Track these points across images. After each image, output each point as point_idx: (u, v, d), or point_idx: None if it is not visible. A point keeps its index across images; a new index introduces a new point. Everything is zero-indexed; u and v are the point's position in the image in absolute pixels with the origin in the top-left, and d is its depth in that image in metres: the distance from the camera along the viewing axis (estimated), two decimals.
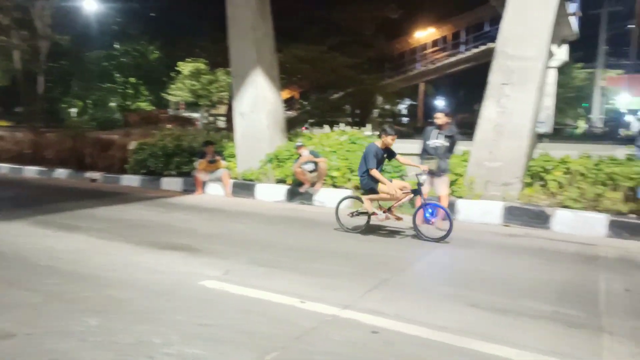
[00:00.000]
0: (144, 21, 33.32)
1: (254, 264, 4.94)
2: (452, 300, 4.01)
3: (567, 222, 6.91)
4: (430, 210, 6.17)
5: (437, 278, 4.71)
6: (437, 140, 6.63)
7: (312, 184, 9.00)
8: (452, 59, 31.40)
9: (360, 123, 18.29)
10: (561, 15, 21.38)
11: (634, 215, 6.74)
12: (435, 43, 34.23)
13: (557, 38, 25.60)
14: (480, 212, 7.47)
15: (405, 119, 37.84)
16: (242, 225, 7.14)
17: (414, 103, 38.98)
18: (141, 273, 4.55)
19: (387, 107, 31.46)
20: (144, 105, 33.58)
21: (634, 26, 30.92)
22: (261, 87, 10.31)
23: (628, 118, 32.33)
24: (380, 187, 6.24)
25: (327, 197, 8.80)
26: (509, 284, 4.54)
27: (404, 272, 4.84)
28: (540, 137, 13.98)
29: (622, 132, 28.20)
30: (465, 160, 8.19)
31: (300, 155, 8.91)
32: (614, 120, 32.38)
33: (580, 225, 6.81)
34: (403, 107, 38.90)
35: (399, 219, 6.50)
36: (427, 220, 6.19)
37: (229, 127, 14.31)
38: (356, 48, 25.13)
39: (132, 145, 12.18)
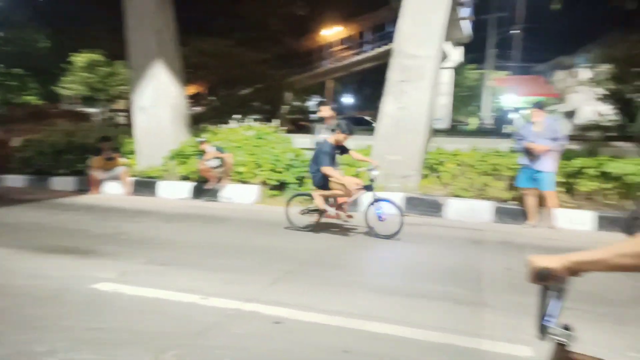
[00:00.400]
0: (31, 7, 30.32)
1: (153, 263, 4.73)
2: (353, 287, 4.16)
3: (459, 210, 7.48)
4: (381, 207, 6.12)
5: (339, 267, 4.84)
6: (321, 135, 6.76)
7: (219, 180, 8.82)
8: (358, 57, 32.43)
9: (269, 119, 18.24)
10: (456, 20, 23.02)
11: (515, 202, 7.45)
12: (342, 41, 35.09)
13: (453, 40, 27.54)
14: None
15: (314, 115, 38.44)
16: (141, 224, 6.80)
17: (323, 100, 39.69)
18: (22, 279, 4.16)
19: (297, 103, 31.70)
20: (32, 99, 30.61)
21: (517, 31, 34.09)
22: (163, 80, 9.88)
23: (513, 115, 35.67)
24: (332, 184, 6.14)
25: (234, 193, 8.68)
26: (404, 268, 4.82)
27: (308, 263, 4.92)
28: (437, 133, 14.90)
29: (507, 128, 31.05)
30: (368, 155, 8.50)
31: (204, 152, 8.68)
32: (500, 117, 35.55)
33: (470, 212, 7.40)
34: (312, 103, 39.46)
35: (349, 216, 6.46)
36: (379, 217, 6.07)
37: (129, 122, 13.56)
38: (264, 43, 24.99)
39: (16, 142, 11.06)
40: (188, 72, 11.60)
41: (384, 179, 8.09)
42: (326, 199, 6.32)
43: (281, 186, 8.72)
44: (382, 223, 6.05)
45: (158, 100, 9.86)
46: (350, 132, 6.23)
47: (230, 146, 9.26)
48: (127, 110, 23.91)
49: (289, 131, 11.44)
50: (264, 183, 8.77)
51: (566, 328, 1.30)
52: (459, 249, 5.70)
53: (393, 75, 8.26)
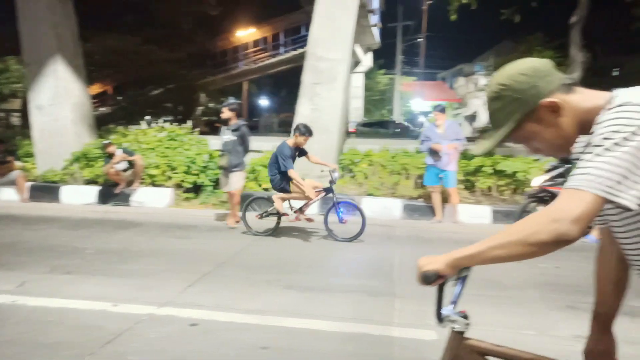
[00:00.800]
0: None
1: (56, 272, 4.44)
2: (270, 286, 4.21)
3: (372, 207, 7.79)
4: (342, 210, 6.17)
5: (257, 267, 4.87)
6: (225, 136, 6.67)
7: (129, 184, 8.42)
8: (273, 59, 32.46)
9: (183, 121, 17.70)
10: (367, 26, 23.89)
11: (422, 199, 7.94)
12: (256, 43, 34.92)
13: (364, 46, 28.56)
14: (300, 204, 7.91)
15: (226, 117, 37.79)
16: (42, 232, 6.31)
17: (238, 101, 39.21)
18: None
19: (211, 105, 31.04)
20: None
21: (421, 39, 36.07)
22: (63, 77, 9.22)
23: (421, 119, 37.81)
24: (292, 187, 6.07)
25: (146, 197, 8.33)
26: (321, 265, 4.96)
27: (224, 264, 4.89)
28: (351, 134, 15.43)
29: (416, 130, 32.85)
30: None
31: (111, 155, 8.23)
32: (410, 121, 37.51)
33: (382, 209, 7.75)
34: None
35: (309, 220, 6.45)
36: (340, 220, 6.13)
37: (25, 123, 12.47)
38: (176, 42, 24.17)
39: None
40: (92, 70, 10.95)
41: (301, 178, 8.23)
42: (285, 201, 6.37)
43: (196, 189, 8.53)
44: (342, 225, 6.14)
45: (58, 98, 9.19)
46: (310, 134, 6.23)
47: (141, 148, 8.89)
48: (21, 110, 21.94)
49: (202, 133, 11.19)
50: (178, 186, 8.52)
51: (464, 316, 1.37)
52: (373, 245, 5.97)
53: (307, 78, 8.44)
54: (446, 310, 1.36)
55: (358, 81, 31.17)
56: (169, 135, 9.26)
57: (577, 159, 3.59)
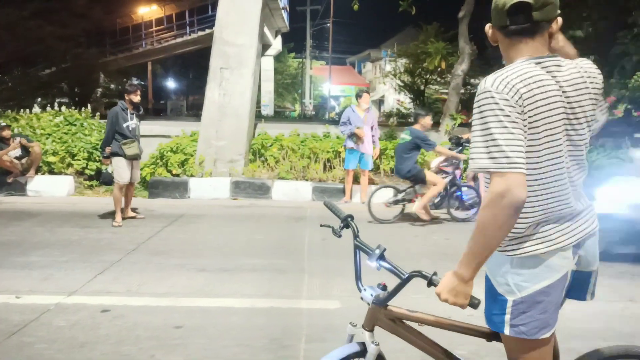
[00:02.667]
0: None
1: None
2: (182, 269, 4.30)
3: (283, 191, 8.05)
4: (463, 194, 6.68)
5: (168, 252, 4.89)
6: (133, 122, 6.08)
7: (24, 172, 7.85)
8: (179, 39, 31.05)
9: (80, 103, 16.54)
10: (275, 9, 23.80)
11: (331, 181, 8.33)
12: (160, 21, 33.22)
13: (273, 29, 28.44)
14: (211, 189, 7.95)
15: (120, 102, 35.77)
16: None
17: (143, 83, 37.24)
18: None
19: (113, 86, 29.18)
20: None
21: (328, 24, 36.68)
22: None
23: (332, 103, 38.65)
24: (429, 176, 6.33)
25: (43, 186, 7.84)
26: (232, 247, 5.11)
27: (134, 252, 4.86)
28: (264, 118, 15.44)
29: (328, 114, 33.56)
30: (195, 141, 8.53)
31: (4, 139, 7.61)
32: (321, 104, 38.20)
33: (293, 192, 8.03)
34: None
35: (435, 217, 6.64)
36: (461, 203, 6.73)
37: None
38: (67, 17, 22.24)
39: None
40: None
41: (211, 164, 8.25)
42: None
43: (100, 176, 8.17)
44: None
45: None
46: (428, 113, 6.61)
47: (35, 134, 8.30)
48: None
49: (103, 117, 10.64)
50: (79, 173, 8.11)
51: (384, 287, 1.56)
52: (284, 226, 6.22)
53: (214, 62, 8.39)
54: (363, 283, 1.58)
55: (268, 64, 31.05)
56: (66, 120, 8.73)
57: (468, 142, 4.07)
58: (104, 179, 6.31)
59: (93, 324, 3.12)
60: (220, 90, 8.26)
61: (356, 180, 7.93)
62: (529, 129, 1.30)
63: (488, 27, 1.43)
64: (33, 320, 3.12)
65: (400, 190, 6.61)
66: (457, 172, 7.17)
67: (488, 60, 17.73)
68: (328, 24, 37.31)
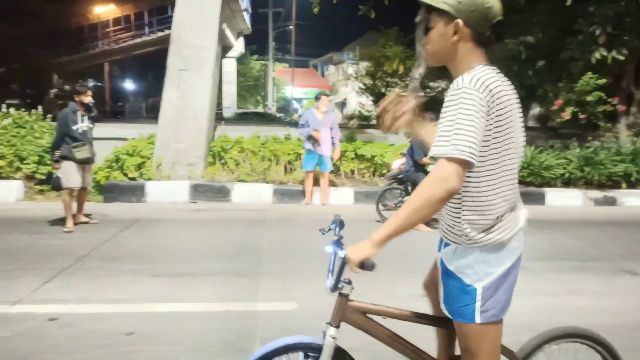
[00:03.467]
0: None
1: None
2: (137, 275, 4.20)
3: (244, 193, 7.99)
4: None
5: (122, 258, 4.77)
6: (84, 124, 5.79)
7: None
8: (137, 40, 30.41)
9: (32, 105, 15.89)
10: (236, 10, 23.62)
11: (291, 183, 8.33)
12: (117, 22, 32.35)
13: (235, 31, 28.21)
14: (169, 192, 7.80)
15: (70, 104, 34.64)
16: None
17: (99, 84, 36.14)
18: None
19: (67, 87, 28.17)
20: None
21: (291, 26, 36.72)
22: None
23: (296, 105, 38.67)
24: None
25: None
26: (190, 252, 5.03)
27: (86, 258, 4.71)
28: (226, 121, 15.27)
29: (291, 116, 33.54)
30: (153, 143, 8.35)
31: None
32: (284, 107, 38.16)
33: (253, 195, 7.98)
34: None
35: None
36: None
37: None
38: (19, 16, 21.39)
39: None
40: None
41: (170, 167, 8.10)
42: None
43: (50, 180, 7.86)
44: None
45: None
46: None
47: None
48: None
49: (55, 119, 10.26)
50: (29, 178, 7.79)
51: (348, 282, 1.57)
52: (243, 229, 6.17)
53: (172, 63, 8.24)
54: (337, 279, 1.56)
55: (230, 66, 30.76)
56: (15, 122, 8.35)
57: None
58: (54, 184, 5.97)
59: (39, 333, 3.00)
60: (178, 92, 8.12)
61: (316, 182, 7.96)
62: (494, 127, 1.39)
63: (462, 24, 1.43)
64: None
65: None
66: None
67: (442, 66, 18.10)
68: (290, 27, 37.35)
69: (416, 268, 4.41)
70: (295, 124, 12.13)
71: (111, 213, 6.79)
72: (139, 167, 8.03)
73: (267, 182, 8.26)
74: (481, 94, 1.35)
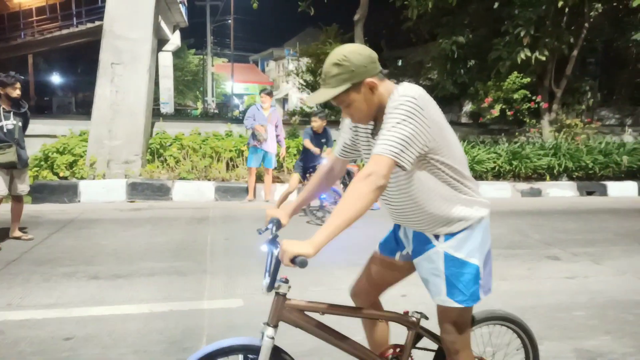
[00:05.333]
0: None
1: None
2: (72, 278, 4.03)
3: (185, 191, 7.82)
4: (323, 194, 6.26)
5: (55, 260, 4.53)
6: (9, 122, 4.99)
7: None
8: (64, 31, 28.69)
9: None
10: (172, 2, 22.90)
11: (234, 180, 8.26)
12: (42, 11, 30.35)
13: (171, 23, 27.34)
14: (104, 191, 7.49)
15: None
16: None
17: (23, 77, 33.73)
18: None
19: None
20: None
21: (229, 21, 36.12)
22: None
23: (237, 101, 38.10)
24: None
25: None
26: (129, 252, 4.88)
27: (17, 262, 4.45)
28: (163, 117, 14.81)
29: (230, 113, 33.05)
30: (85, 141, 7.97)
31: None
32: (224, 103, 37.48)
33: (195, 193, 7.83)
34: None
35: None
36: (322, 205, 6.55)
37: None
38: None
39: None
40: None
41: (104, 165, 7.78)
42: None
43: None
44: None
45: None
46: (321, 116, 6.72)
47: None
48: None
49: None
50: None
51: (285, 281, 1.59)
52: (185, 228, 6.06)
53: (105, 57, 7.89)
54: (274, 278, 1.58)
55: (167, 60, 29.79)
56: None
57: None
58: None
59: None
60: (112, 87, 7.79)
61: (259, 178, 7.94)
62: (433, 129, 1.53)
63: (370, 80, 1.56)
64: None
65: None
66: (354, 169, 7.50)
67: (384, 62, 18.59)
68: (229, 21, 36.73)
69: (358, 261, 4.54)
70: (235, 120, 12.00)
71: (42, 215, 6.42)
72: (71, 165, 7.64)
73: (209, 180, 8.13)
74: (421, 104, 1.50)
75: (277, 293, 1.59)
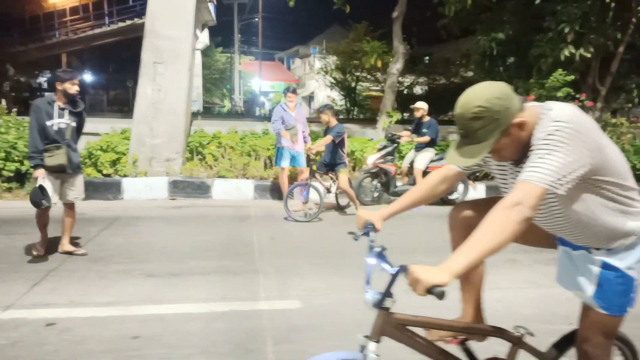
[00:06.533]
0: None
1: None
2: (128, 275, 4.07)
3: (224, 189, 7.86)
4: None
5: (108, 258, 4.60)
6: (62, 120, 4.45)
7: None
8: (97, 30, 29.29)
9: None
10: (202, 1, 23.12)
11: (272, 179, 8.25)
12: (75, 10, 31.02)
13: (200, 22, 27.61)
14: (146, 189, 7.58)
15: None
16: None
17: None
18: None
19: (23, 79, 26.90)
20: None
21: (257, 19, 36.28)
22: None
23: (262, 99, 38.29)
24: None
25: None
26: (179, 250, 4.92)
27: (71, 258, 4.52)
28: (194, 115, 14.96)
29: (258, 110, 33.22)
30: (127, 139, 8.09)
31: None
32: (251, 100, 37.72)
33: (234, 191, 7.86)
34: (43, 80, 34.11)
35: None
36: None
37: None
38: None
39: None
40: None
41: (146, 163, 7.88)
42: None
43: (20, 177, 7.50)
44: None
45: None
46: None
47: None
48: None
49: (20, 112, 9.77)
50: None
51: (388, 294, 1.49)
52: (229, 226, 6.08)
53: (146, 56, 7.98)
54: (376, 292, 1.51)
55: (196, 59, 30.11)
56: None
57: (399, 137, 4.39)
58: (32, 198, 4.36)
59: (38, 340, 2.86)
60: (154, 86, 7.88)
61: (294, 179, 7.83)
62: (593, 151, 1.42)
63: (517, 120, 1.46)
64: None
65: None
66: (392, 168, 7.42)
67: (412, 59, 18.45)
68: (255, 19, 36.90)
69: (409, 262, 4.47)
70: (268, 119, 12.01)
71: (88, 211, 6.51)
72: (114, 163, 7.76)
73: (247, 178, 8.15)
74: (580, 129, 1.40)
75: (381, 307, 1.52)
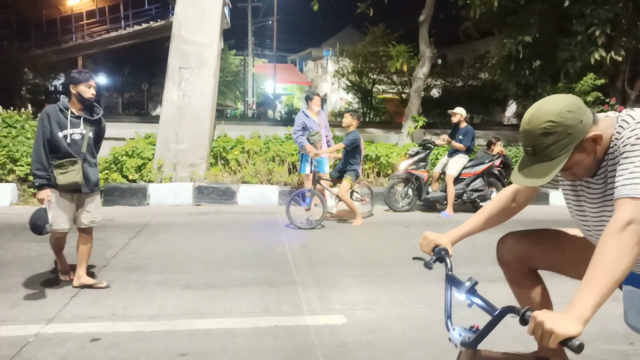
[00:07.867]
0: None
1: None
2: (166, 286, 4.00)
3: (249, 195, 7.79)
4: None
5: (144, 267, 4.54)
6: (77, 130, 3.74)
7: None
8: (113, 34, 29.51)
9: (4, 101, 15.17)
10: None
11: (296, 185, 8.17)
12: (91, 14, 31.29)
13: (223, 27, 27.72)
14: (172, 195, 7.54)
15: (63, 97, 33.48)
16: None
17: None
18: None
19: (39, 82, 27.17)
20: None
21: (271, 22, 36.31)
22: None
23: (276, 102, 38.33)
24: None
25: None
26: (213, 260, 4.84)
27: (107, 268, 4.47)
28: (223, 120, 14.96)
29: (272, 113, 33.22)
30: (152, 144, 8.06)
31: None
32: (265, 103, 37.75)
33: (259, 197, 7.80)
34: (59, 83, 34.43)
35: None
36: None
37: None
38: None
39: None
40: None
41: (171, 168, 7.84)
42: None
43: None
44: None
45: None
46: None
47: None
48: None
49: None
50: (22, 180, 7.41)
51: (475, 331, 1.40)
52: (259, 234, 5.99)
53: (173, 62, 7.96)
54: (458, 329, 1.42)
55: None
56: (4, 122, 7.93)
57: (432, 143, 4.30)
58: (33, 222, 3.58)
59: (85, 356, 2.79)
60: (179, 91, 7.84)
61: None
62: None
63: (591, 134, 1.37)
64: (14, 355, 2.74)
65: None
66: (424, 174, 7.29)
67: (444, 64, 18.24)
68: (269, 22, 36.93)
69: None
70: (279, 122, 11.89)
71: (116, 217, 6.50)
72: (139, 168, 7.74)
73: (272, 184, 8.08)
74: None
75: (466, 345, 1.40)
